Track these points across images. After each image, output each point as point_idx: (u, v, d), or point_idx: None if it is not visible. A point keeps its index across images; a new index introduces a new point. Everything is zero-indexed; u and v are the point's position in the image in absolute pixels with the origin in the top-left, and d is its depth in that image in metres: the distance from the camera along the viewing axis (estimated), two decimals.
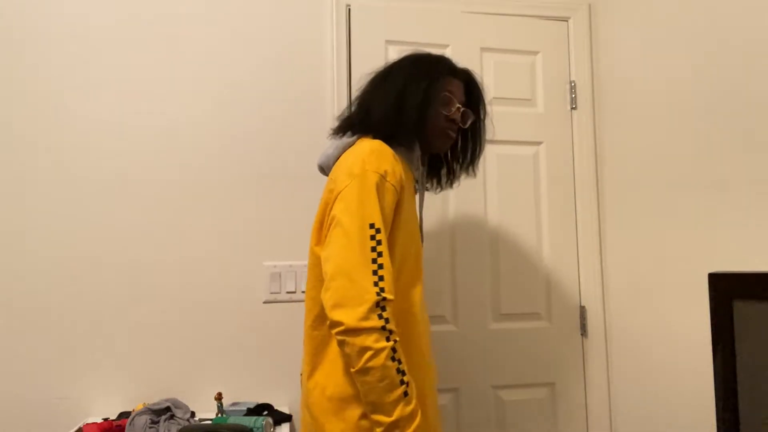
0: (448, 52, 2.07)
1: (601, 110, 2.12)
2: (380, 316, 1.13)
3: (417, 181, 1.46)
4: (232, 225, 2.00)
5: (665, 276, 1.78)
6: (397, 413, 1.11)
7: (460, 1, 2.11)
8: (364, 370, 1.12)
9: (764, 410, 0.88)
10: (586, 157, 2.12)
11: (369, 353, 1.11)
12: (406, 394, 1.13)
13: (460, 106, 1.41)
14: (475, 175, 1.58)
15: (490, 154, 2.08)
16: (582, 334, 2.08)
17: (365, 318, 1.12)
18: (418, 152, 1.41)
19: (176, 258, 1.96)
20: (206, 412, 1.84)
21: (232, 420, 1.64)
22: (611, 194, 2.06)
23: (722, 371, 0.90)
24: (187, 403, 1.80)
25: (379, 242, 1.18)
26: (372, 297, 1.13)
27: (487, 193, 2.08)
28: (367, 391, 1.13)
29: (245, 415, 1.78)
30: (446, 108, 1.39)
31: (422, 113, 1.35)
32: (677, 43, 1.74)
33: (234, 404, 1.88)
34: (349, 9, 2.05)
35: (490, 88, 2.11)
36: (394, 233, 1.26)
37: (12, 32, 1.93)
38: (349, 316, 1.12)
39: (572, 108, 2.14)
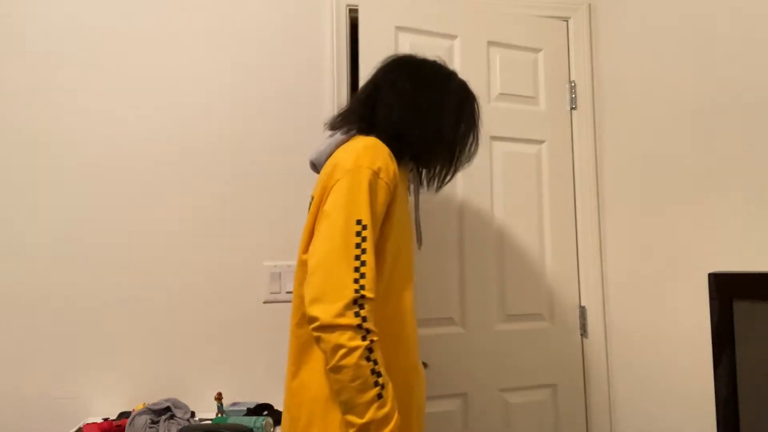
0: (456, 44, 2.04)
1: (601, 110, 2.12)
2: (357, 314, 1.09)
3: (410, 182, 1.44)
4: (233, 225, 2.00)
5: (665, 276, 1.78)
6: (370, 415, 1.08)
7: None
8: (337, 368, 1.08)
9: (764, 410, 0.88)
10: (586, 157, 2.12)
11: (342, 351, 1.07)
12: (380, 396, 1.09)
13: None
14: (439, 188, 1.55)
15: (497, 152, 2.05)
16: (582, 334, 2.08)
17: (341, 315, 1.08)
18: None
19: (176, 258, 1.96)
20: (206, 412, 1.84)
21: (232, 420, 1.64)
22: (611, 194, 2.06)
23: (722, 371, 0.91)
24: (187, 403, 1.81)
25: (364, 239, 1.14)
26: (350, 294, 1.09)
27: (494, 192, 2.04)
28: (339, 390, 1.10)
29: (245, 415, 1.78)
30: (477, 145, 1.45)
31: (458, 147, 1.41)
32: (677, 43, 1.74)
33: (234, 404, 1.88)
34: None
35: (496, 83, 2.07)
36: (386, 231, 1.23)
37: (7, 27, 1.93)
38: (325, 312, 1.08)
39: (572, 108, 2.14)
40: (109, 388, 1.90)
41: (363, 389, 1.08)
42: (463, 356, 1.95)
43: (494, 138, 2.05)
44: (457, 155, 1.43)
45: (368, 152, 1.22)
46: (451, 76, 1.42)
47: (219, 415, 1.75)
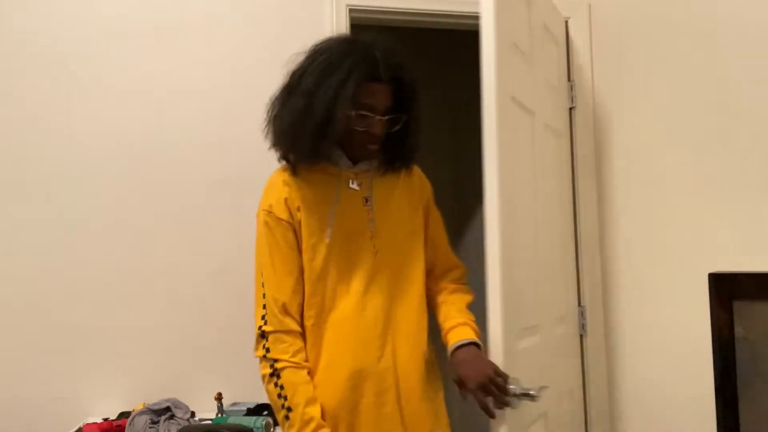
0: (533, 15, 1.72)
1: (600, 110, 2.11)
2: (263, 347, 1.31)
3: (356, 174, 1.39)
4: (233, 225, 2.00)
5: (665, 276, 1.78)
6: (284, 430, 1.29)
7: None
8: None
9: (764, 409, 0.88)
10: (585, 157, 2.11)
11: (262, 378, 1.32)
12: (287, 417, 1.26)
13: (378, 119, 1.30)
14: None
15: (549, 145, 1.86)
16: (582, 334, 2.08)
17: (255, 349, 1.34)
18: (343, 155, 1.37)
19: (176, 258, 1.96)
20: (206, 412, 1.84)
21: (232, 420, 1.64)
22: (611, 194, 2.06)
23: (722, 371, 0.91)
24: (187, 403, 1.80)
25: (264, 278, 1.36)
26: (257, 331, 1.33)
27: (562, 188, 1.85)
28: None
29: (245, 415, 1.78)
30: (361, 124, 1.30)
31: (326, 133, 1.26)
32: (678, 42, 1.74)
33: (234, 404, 1.88)
34: None
35: (543, 67, 1.84)
36: (306, 249, 1.34)
37: (7, 32, 1.93)
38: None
39: (572, 107, 2.13)
40: (109, 388, 1.90)
41: (277, 410, 1.29)
42: (543, 368, 1.67)
43: (547, 127, 1.83)
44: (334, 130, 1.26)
45: (265, 192, 1.40)
46: (346, 67, 1.25)
47: (219, 415, 1.75)
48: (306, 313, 1.34)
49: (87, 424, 1.65)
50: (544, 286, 1.69)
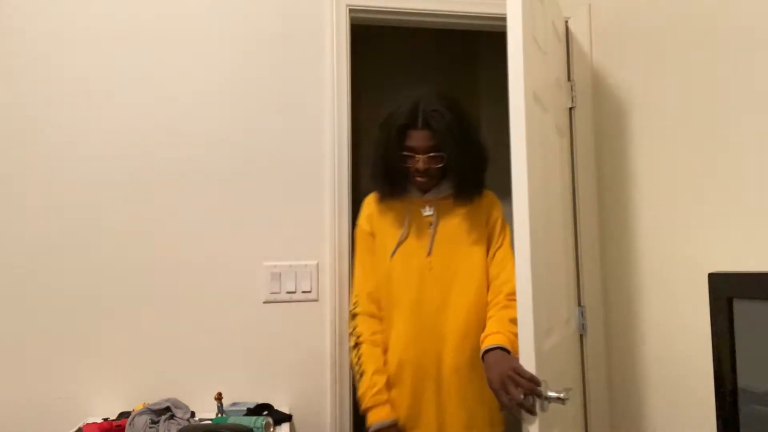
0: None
1: (600, 110, 2.11)
2: (352, 325, 1.68)
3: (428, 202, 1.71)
4: (232, 225, 2.00)
5: (665, 276, 1.78)
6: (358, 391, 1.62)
7: None
8: None
9: (764, 411, 0.88)
10: (585, 157, 2.11)
11: (349, 350, 1.69)
12: (359, 380, 1.61)
13: (419, 157, 1.62)
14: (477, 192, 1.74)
15: (560, 146, 1.86)
16: (582, 334, 2.08)
17: (348, 326, 1.72)
18: (413, 188, 1.72)
19: (176, 258, 1.96)
20: (206, 412, 1.84)
21: (232, 420, 1.64)
22: (611, 194, 2.06)
23: (722, 371, 0.91)
24: (187, 403, 1.80)
25: (356, 272, 1.73)
26: (349, 313, 1.71)
27: (563, 188, 1.88)
28: None
29: (245, 415, 1.78)
30: (408, 162, 1.65)
31: (388, 177, 1.68)
32: (678, 43, 1.74)
33: (234, 404, 1.88)
34: None
35: (554, 66, 1.86)
36: (378, 256, 1.71)
37: (8, 32, 1.93)
38: None
39: (572, 107, 2.14)
40: (109, 388, 1.90)
41: (354, 373, 1.65)
42: (560, 369, 1.66)
43: (556, 126, 1.84)
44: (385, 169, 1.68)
45: (360, 210, 1.79)
46: (388, 122, 1.65)
47: (219, 415, 1.75)
48: (379, 305, 1.69)
49: (87, 424, 1.65)
50: (556, 287, 1.71)
